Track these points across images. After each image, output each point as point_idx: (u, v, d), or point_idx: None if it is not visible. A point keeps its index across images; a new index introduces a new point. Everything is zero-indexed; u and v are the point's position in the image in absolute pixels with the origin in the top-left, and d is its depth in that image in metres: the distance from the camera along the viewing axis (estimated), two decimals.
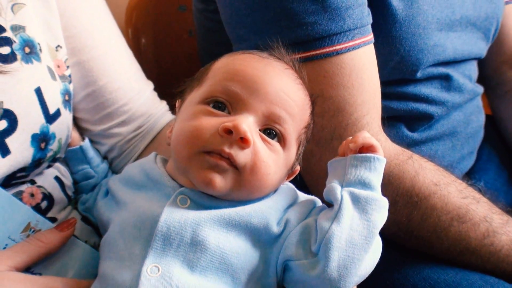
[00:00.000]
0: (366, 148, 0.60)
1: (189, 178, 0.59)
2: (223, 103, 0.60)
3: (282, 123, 0.60)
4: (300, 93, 0.63)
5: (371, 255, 0.56)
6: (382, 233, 0.78)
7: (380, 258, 0.80)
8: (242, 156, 0.57)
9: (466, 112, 0.96)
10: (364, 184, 0.58)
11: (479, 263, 0.74)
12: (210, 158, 0.56)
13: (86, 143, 0.76)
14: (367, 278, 0.73)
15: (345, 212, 0.55)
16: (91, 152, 0.76)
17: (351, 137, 0.60)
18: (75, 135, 0.76)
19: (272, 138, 0.60)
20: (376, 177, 0.58)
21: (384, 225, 0.76)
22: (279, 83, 0.61)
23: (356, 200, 0.56)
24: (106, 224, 0.64)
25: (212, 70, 0.64)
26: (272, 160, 0.59)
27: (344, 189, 0.57)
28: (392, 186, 0.73)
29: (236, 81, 0.60)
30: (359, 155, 0.59)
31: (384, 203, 0.58)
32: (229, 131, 0.56)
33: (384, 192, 0.73)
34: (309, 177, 0.77)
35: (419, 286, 0.73)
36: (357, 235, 0.55)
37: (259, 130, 0.60)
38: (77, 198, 0.75)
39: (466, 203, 0.74)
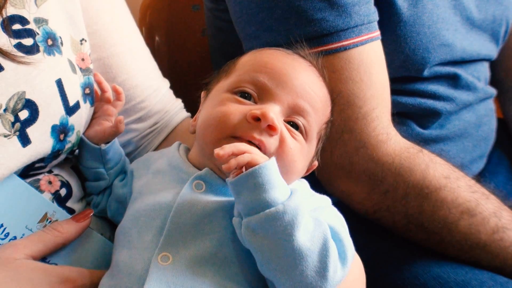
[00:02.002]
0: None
1: (216, 162, 0.60)
2: (249, 94, 0.62)
3: (305, 116, 0.62)
4: (324, 89, 0.66)
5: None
6: (394, 228, 0.79)
7: (390, 257, 0.81)
8: (271, 143, 0.59)
9: (478, 114, 0.96)
10: (254, 208, 0.52)
11: (489, 258, 0.74)
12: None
13: (108, 146, 0.70)
14: (377, 277, 0.74)
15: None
16: (109, 155, 0.71)
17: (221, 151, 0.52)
18: (102, 136, 0.71)
19: (296, 130, 0.62)
20: (262, 192, 0.51)
21: (395, 218, 0.77)
22: (305, 78, 0.63)
23: (253, 232, 0.52)
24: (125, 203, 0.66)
25: (240, 63, 0.67)
26: (297, 148, 0.61)
27: (242, 223, 0.53)
28: (402, 178, 0.74)
29: (264, 72, 0.62)
30: (235, 179, 0.53)
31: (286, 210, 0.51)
32: (257, 118, 0.58)
33: (395, 185, 0.74)
34: (321, 172, 0.77)
35: (428, 285, 0.74)
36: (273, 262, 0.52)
37: (284, 120, 0.61)
38: (87, 201, 0.74)
39: (475, 198, 0.75)
